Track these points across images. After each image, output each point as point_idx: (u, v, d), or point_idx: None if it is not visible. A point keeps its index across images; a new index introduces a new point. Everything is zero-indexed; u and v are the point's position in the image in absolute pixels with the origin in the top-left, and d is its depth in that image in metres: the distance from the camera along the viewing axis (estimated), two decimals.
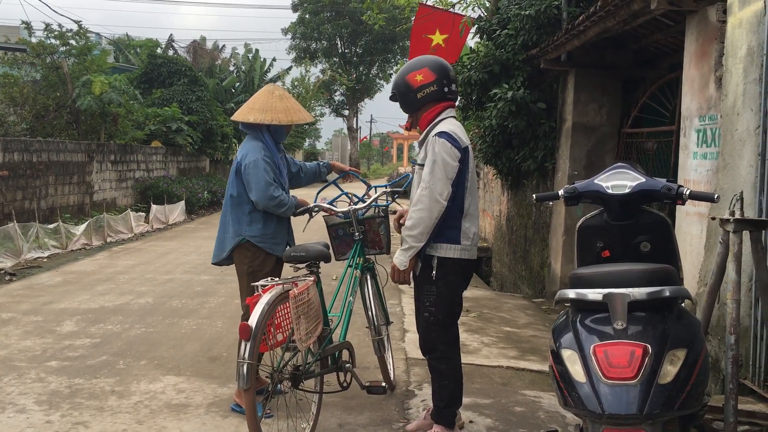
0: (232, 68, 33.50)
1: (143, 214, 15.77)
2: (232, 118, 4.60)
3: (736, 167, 4.14)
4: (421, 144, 3.85)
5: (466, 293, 4.09)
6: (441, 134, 3.64)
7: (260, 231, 4.31)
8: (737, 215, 3.54)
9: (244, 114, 4.33)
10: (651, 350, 2.28)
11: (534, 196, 3.24)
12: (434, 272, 3.68)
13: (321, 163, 4.92)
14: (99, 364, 5.16)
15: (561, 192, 3.03)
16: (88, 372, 4.95)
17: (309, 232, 4.76)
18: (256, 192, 4.21)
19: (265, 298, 3.39)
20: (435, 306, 3.69)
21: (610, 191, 2.84)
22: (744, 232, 3.57)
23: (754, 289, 3.90)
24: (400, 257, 3.71)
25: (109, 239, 13.10)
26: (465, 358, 3.98)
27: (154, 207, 15.84)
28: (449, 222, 3.65)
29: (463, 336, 4.06)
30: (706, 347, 2.56)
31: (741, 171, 4.10)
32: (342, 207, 4.42)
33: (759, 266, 3.60)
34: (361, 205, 4.39)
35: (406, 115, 3.94)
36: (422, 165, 3.71)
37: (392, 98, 3.93)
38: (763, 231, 3.71)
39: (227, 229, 4.39)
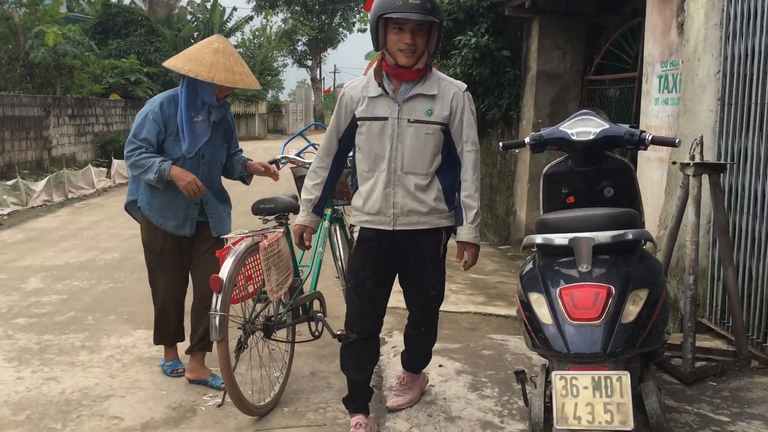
0: (189, 17, 32.56)
1: (104, 169, 15.47)
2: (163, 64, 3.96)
3: (696, 112, 4.22)
4: (405, 96, 3.02)
5: None
6: (469, 90, 3.16)
7: (147, 198, 3.80)
8: (697, 159, 3.63)
9: (170, 60, 3.81)
10: (614, 291, 2.36)
11: (500, 144, 3.26)
12: (443, 247, 3.22)
13: (240, 160, 4.10)
14: (67, 320, 5.14)
15: (527, 139, 3.07)
16: (57, 328, 4.93)
17: (276, 184, 4.73)
18: None
19: (235, 251, 3.39)
20: (441, 283, 3.33)
21: (575, 138, 2.88)
22: (703, 175, 3.67)
23: (712, 231, 4.02)
24: (475, 233, 3.12)
25: (70, 195, 12.86)
26: None
27: (115, 162, 15.48)
28: None
29: None
30: (667, 288, 2.66)
31: (701, 116, 4.18)
32: (309, 158, 4.40)
33: (717, 209, 3.71)
34: None
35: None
36: (441, 123, 3.03)
37: (419, 15, 2.82)
38: (722, 174, 3.80)
39: None
